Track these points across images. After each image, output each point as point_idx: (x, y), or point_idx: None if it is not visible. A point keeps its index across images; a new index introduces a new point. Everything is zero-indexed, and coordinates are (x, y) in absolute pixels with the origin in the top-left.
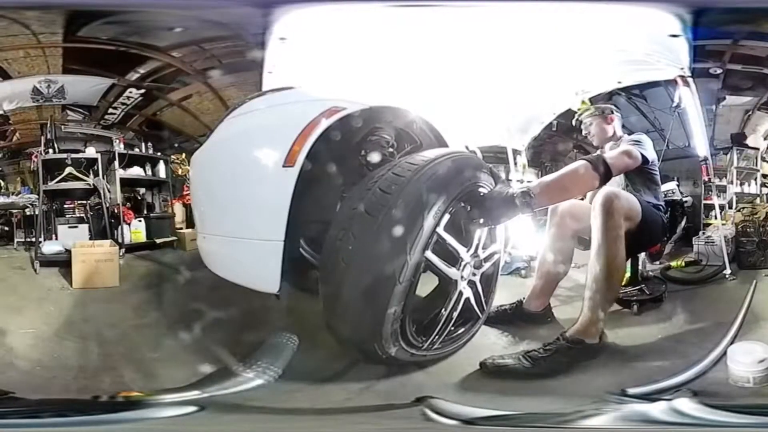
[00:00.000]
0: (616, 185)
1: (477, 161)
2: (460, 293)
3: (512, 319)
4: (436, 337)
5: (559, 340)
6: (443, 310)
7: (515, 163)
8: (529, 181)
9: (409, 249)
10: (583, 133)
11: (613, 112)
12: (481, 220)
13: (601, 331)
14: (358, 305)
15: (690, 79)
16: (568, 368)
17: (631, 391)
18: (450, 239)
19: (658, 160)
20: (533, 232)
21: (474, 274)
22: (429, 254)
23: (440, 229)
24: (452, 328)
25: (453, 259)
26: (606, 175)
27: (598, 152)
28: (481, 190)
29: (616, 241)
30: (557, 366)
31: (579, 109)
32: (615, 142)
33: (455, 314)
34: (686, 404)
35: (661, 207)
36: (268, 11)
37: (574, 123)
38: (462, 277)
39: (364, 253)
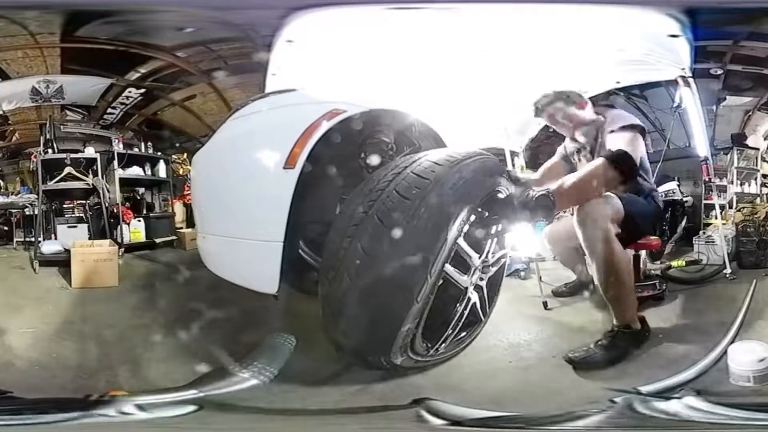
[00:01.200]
0: None
1: (499, 164)
2: (468, 299)
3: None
4: (442, 343)
5: (614, 329)
6: (451, 316)
7: (513, 165)
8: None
9: (431, 266)
10: (550, 126)
11: (582, 97)
12: (500, 227)
13: (642, 317)
14: (366, 324)
15: (690, 80)
16: (626, 353)
17: (640, 389)
18: (466, 247)
19: (659, 161)
20: (532, 233)
21: (481, 279)
22: (446, 266)
23: (461, 240)
24: (457, 332)
25: (466, 267)
26: (629, 171)
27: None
28: (499, 195)
29: (606, 242)
30: (621, 351)
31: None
32: (593, 127)
33: (462, 320)
34: (690, 402)
35: (652, 197)
36: (284, 13)
37: (534, 115)
38: (471, 282)
39: (376, 271)
